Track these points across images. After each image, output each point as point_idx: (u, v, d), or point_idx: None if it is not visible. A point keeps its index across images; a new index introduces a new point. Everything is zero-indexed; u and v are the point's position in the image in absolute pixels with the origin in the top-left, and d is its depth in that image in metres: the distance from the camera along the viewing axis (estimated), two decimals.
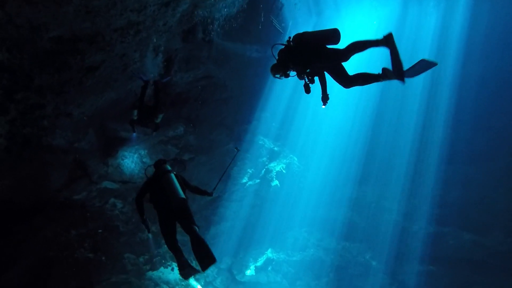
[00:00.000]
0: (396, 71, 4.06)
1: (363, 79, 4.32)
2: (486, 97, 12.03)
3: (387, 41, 4.07)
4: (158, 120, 8.39)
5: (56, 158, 8.51)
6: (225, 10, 11.16)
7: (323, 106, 4.88)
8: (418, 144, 14.17)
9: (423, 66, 4.01)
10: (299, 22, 14.07)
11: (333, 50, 4.49)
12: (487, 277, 11.28)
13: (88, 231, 8.70)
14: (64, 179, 9.02)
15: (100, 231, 8.99)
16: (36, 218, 7.92)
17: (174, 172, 5.45)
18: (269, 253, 14.12)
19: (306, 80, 4.58)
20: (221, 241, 12.59)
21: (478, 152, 12.32)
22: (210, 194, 5.85)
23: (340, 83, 4.51)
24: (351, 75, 4.40)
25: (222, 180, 13.15)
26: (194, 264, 5.42)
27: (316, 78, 4.72)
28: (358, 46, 4.32)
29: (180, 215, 5.20)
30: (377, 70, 4.26)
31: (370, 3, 14.99)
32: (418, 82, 14.79)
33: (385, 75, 4.10)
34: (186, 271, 5.21)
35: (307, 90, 4.61)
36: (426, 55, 15.10)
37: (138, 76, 8.83)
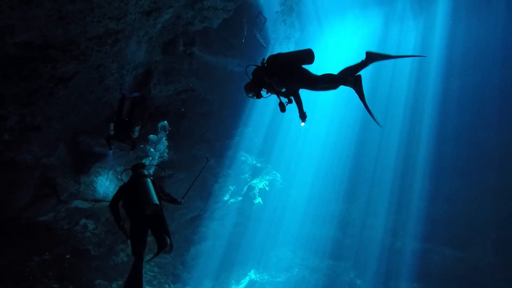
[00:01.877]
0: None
1: (332, 80, 4.22)
2: (468, 111, 12.46)
3: (355, 82, 4.07)
4: (135, 135, 7.89)
5: (19, 175, 7.73)
6: (207, 22, 10.97)
7: (302, 124, 4.85)
8: (403, 160, 14.39)
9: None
10: (282, 37, 14.15)
11: (307, 73, 4.42)
12: None
13: (54, 257, 7.83)
14: (29, 198, 8.19)
15: (67, 256, 8.15)
16: None
17: (151, 178, 5.16)
18: (252, 274, 13.54)
19: (282, 99, 4.57)
20: (202, 261, 11.91)
21: (461, 167, 12.60)
22: (179, 203, 5.50)
23: (312, 90, 4.41)
24: (319, 76, 4.30)
25: (203, 198, 12.75)
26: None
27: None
28: (329, 81, 4.23)
29: (153, 222, 4.88)
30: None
31: (353, 20, 15.43)
32: (401, 97, 15.19)
33: (371, 57, 4.03)
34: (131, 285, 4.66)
35: (282, 108, 4.56)
36: (407, 70, 15.66)
37: (119, 91, 8.40)
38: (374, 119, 4.14)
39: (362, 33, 15.98)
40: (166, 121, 10.49)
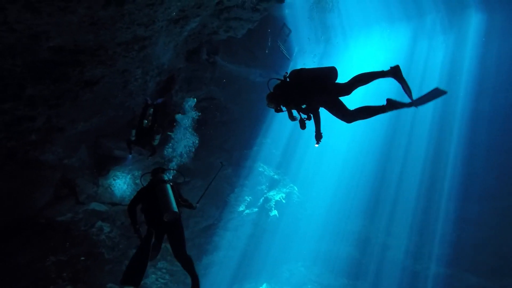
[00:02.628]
0: (408, 99, 3.87)
1: (366, 112, 4.06)
2: (499, 133, 11.84)
3: (395, 72, 3.87)
4: (156, 142, 7.92)
5: (41, 175, 7.87)
6: (232, 32, 11.04)
7: (316, 145, 4.67)
8: (428, 179, 13.78)
9: (434, 94, 3.73)
10: (307, 49, 14.08)
11: (335, 84, 4.33)
12: None
13: (69, 258, 7.87)
14: (48, 198, 8.32)
15: (82, 258, 8.17)
16: (11, 241, 7.11)
17: (171, 183, 5.06)
18: None
19: (302, 115, 4.44)
20: (213, 272, 11.69)
21: (490, 190, 11.94)
22: (194, 208, 5.34)
23: (341, 119, 4.27)
24: (353, 110, 4.16)
25: (218, 207, 12.62)
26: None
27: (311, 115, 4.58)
28: (363, 79, 4.11)
29: (170, 230, 4.82)
30: (381, 102, 3.92)
31: (380, 34, 15.16)
32: (427, 115, 14.65)
33: (390, 105, 3.84)
34: (127, 281, 4.50)
35: (303, 126, 4.44)
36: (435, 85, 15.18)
37: (145, 99, 8.51)
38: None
39: (388, 48, 15.67)
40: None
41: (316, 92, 4.24)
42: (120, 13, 5.36)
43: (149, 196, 4.93)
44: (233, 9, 9.14)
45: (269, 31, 12.36)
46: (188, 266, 4.75)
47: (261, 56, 13.48)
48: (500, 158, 11.81)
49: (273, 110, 4.72)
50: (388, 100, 3.85)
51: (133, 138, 7.44)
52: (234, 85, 13.79)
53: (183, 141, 10.87)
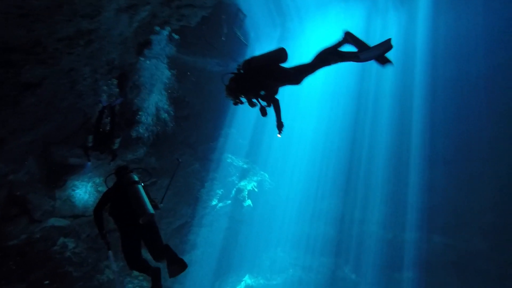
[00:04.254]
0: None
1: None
2: (454, 102, 12.68)
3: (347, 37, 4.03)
4: (116, 146, 7.33)
5: None
6: (185, 21, 10.42)
7: (279, 135, 4.66)
8: (394, 152, 14.45)
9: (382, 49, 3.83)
10: (263, 33, 13.81)
11: (285, 69, 4.35)
12: (463, 279, 11.56)
13: (29, 285, 7.05)
14: None
15: (46, 282, 7.38)
16: None
17: (142, 183, 4.84)
18: (247, 279, 13.15)
19: (262, 103, 4.45)
20: (193, 271, 11.32)
21: (447, 157, 12.86)
22: (158, 208, 5.07)
23: (296, 85, 4.31)
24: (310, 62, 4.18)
25: (190, 204, 12.19)
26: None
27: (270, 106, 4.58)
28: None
29: (147, 232, 4.62)
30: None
31: (335, 15, 15.32)
32: (387, 89, 15.27)
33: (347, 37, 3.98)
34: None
35: (264, 113, 4.45)
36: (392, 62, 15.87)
37: (99, 101, 7.79)
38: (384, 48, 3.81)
39: (344, 28, 15.83)
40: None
41: (270, 76, 4.25)
42: (57, 2, 4.67)
43: (118, 198, 4.67)
44: None
45: (224, 17, 11.88)
46: (168, 253, 4.48)
47: (217, 45, 13.00)
48: (456, 126, 12.70)
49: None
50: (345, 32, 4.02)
51: (90, 144, 6.79)
52: (191, 77, 13.22)
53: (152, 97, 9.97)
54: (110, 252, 4.78)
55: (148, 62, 9.24)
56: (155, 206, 5.00)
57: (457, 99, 12.73)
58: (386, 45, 3.81)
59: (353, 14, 15.31)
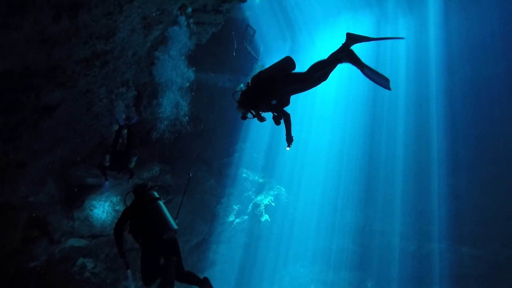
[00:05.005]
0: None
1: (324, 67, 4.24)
2: (473, 104, 12.31)
3: (350, 55, 4.08)
4: (132, 165, 7.39)
5: (3, 219, 6.99)
6: (195, 38, 10.63)
7: (288, 148, 4.73)
8: (413, 161, 14.05)
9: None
10: (273, 47, 13.92)
11: (295, 75, 4.46)
12: None
13: None
14: (16, 243, 7.41)
15: None
16: None
17: (162, 200, 4.92)
18: None
19: (274, 113, 4.55)
20: None
21: (466, 163, 12.38)
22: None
23: (308, 88, 4.41)
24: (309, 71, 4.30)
25: (207, 221, 12.06)
26: None
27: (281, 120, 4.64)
28: (321, 67, 4.28)
29: (168, 248, 4.68)
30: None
31: (344, 25, 15.37)
32: (402, 96, 15.01)
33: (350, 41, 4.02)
34: None
35: (277, 122, 4.55)
36: (403, 70, 15.64)
37: (117, 121, 7.95)
38: (383, 81, 4.00)
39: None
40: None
41: (280, 85, 4.35)
42: (74, 26, 4.81)
43: (139, 215, 4.70)
44: (195, 13, 8.75)
45: (233, 33, 12.06)
46: (192, 276, 4.63)
47: (228, 61, 13.17)
48: (473, 131, 12.26)
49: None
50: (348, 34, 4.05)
51: (107, 164, 6.86)
52: (202, 93, 13.38)
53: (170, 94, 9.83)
54: (129, 272, 4.84)
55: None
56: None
57: (476, 101, 12.34)
58: (386, 82, 4.05)
59: (362, 22, 15.31)
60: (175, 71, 9.17)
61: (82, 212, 8.57)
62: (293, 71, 4.47)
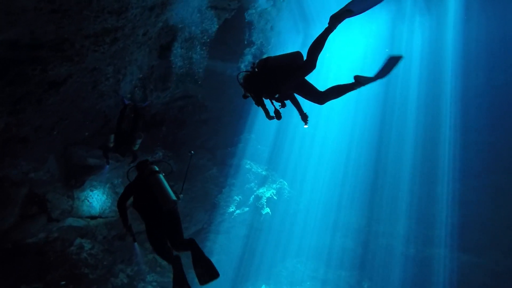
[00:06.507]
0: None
1: (337, 91, 4.10)
2: (486, 110, 12.04)
3: (359, 81, 3.87)
4: (136, 147, 7.24)
5: (3, 193, 6.88)
6: (207, 23, 10.37)
7: (306, 126, 4.74)
8: (422, 161, 13.85)
9: (392, 62, 3.78)
10: (285, 39, 13.62)
11: (307, 84, 4.34)
12: None
13: (46, 285, 6.95)
14: (14, 218, 7.32)
15: (63, 283, 7.27)
16: None
17: (163, 173, 4.97)
18: None
19: (276, 105, 4.47)
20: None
21: (473, 169, 12.21)
22: (179, 198, 5.04)
23: (314, 101, 4.29)
24: (324, 90, 4.20)
25: (206, 210, 11.96)
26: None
27: (288, 102, 4.59)
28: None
29: (168, 220, 4.69)
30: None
31: (358, 20, 15.01)
32: (414, 97, 14.76)
33: (358, 81, 3.87)
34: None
35: (278, 116, 4.40)
36: (417, 71, 15.34)
37: (121, 100, 7.77)
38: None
39: (368, 33, 15.60)
40: None
41: (284, 80, 4.20)
42: None
43: (141, 189, 4.80)
44: None
45: (246, 21, 11.78)
46: (192, 246, 4.59)
47: (238, 49, 12.91)
48: (491, 134, 12.02)
49: (253, 104, 4.48)
50: (355, 77, 3.88)
51: (111, 145, 6.70)
52: (210, 81, 13.16)
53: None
54: (136, 244, 5.03)
55: None
56: (176, 196, 5.02)
57: (491, 108, 12.07)
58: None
59: (377, 19, 14.95)
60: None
61: (82, 192, 8.46)
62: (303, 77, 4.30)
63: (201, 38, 10.17)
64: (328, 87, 4.16)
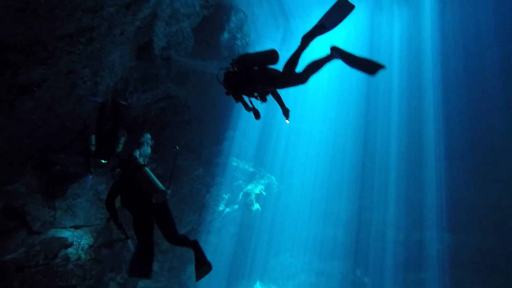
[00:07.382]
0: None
1: (315, 66, 3.99)
2: (467, 95, 12.44)
3: (335, 52, 3.83)
4: (120, 147, 6.93)
5: None
6: (185, 22, 10.14)
7: (287, 121, 4.66)
8: (408, 148, 14.15)
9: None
10: (265, 34, 13.54)
11: (276, 72, 4.22)
12: (478, 278, 11.22)
13: None
14: None
15: None
16: None
17: (148, 166, 4.85)
18: (259, 286, 12.70)
19: (254, 103, 4.47)
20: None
21: (452, 152, 12.64)
22: (167, 194, 4.88)
23: (296, 85, 4.19)
24: (301, 71, 4.08)
25: (195, 211, 11.77)
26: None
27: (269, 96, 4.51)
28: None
29: (159, 213, 4.59)
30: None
31: None
32: (396, 84, 15.04)
33: (334, 53, 3.82)
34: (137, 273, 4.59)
35: (257, 115, 4.44)
36: (397, 61, 15.67)
37: (89, 100, 7.38)
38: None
39: (347, 26, 15.76)
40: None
41: (261, 81, 4.15)
42: None
43: (128, 185, 4.66)
44: None
45: (225, 18, 11.63)
46: (185, 241, 4.65)
47: (217, 47, 12.73)
48: (472, 118, 12.42)
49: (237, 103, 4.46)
50: (332, 48, 3.83)
51: (93, 148, 6.38)
52: (191, 80, 12.94)
53: None
54: (129, 241, 4.82)
55: None
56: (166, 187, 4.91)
57: (471, 92, 12.53)
58: (345, 3, 3.78)
59: (356, 11, 15.11)
60: None
61: (65, 201, 8.10)
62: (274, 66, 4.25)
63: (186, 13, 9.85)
64: (305, 65, 4.07)
